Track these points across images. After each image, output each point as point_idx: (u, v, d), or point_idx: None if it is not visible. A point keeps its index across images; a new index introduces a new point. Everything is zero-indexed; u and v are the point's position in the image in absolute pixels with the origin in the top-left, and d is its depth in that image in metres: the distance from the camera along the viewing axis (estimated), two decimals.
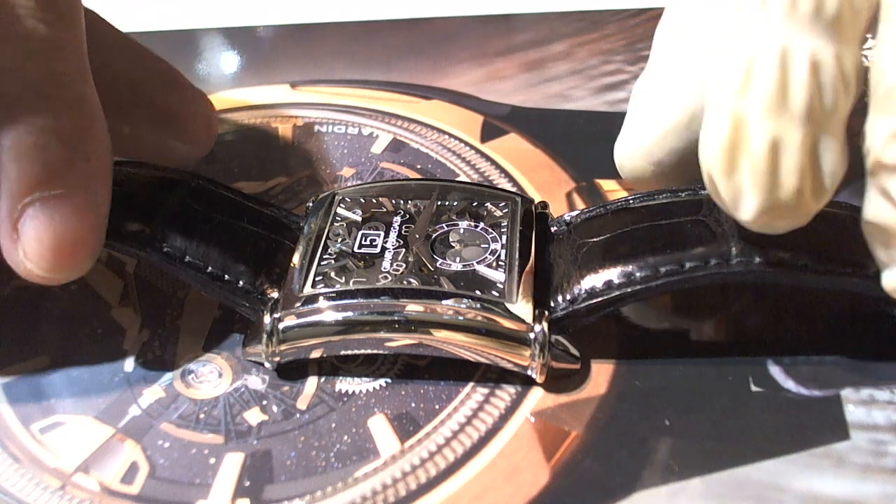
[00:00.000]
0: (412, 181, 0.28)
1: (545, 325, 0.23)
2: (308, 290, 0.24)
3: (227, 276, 0.24)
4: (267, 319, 0.24)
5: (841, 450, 0.22)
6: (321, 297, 0.24)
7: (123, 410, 0.24)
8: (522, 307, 0.23)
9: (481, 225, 0.26)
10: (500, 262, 0.24)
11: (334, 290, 0.24)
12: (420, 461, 0.23)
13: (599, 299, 0.23)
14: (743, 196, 0.20)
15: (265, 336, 0.24)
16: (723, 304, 0.26)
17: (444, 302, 0.23)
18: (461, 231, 0.25)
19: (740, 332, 0.25)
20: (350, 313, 0.23)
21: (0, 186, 0.22)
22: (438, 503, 0.22)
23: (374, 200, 0.27)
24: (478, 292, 0.23)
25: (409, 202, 0.27)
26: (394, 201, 0.27)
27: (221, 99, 0.36)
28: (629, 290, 0.23)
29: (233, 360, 0.25)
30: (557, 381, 0.24)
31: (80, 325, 0.27)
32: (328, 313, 0.23)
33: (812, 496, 0.21)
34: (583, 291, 0.23)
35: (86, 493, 0.22)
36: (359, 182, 0.28)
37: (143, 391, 0.25)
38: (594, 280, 0.23)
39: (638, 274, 0.23)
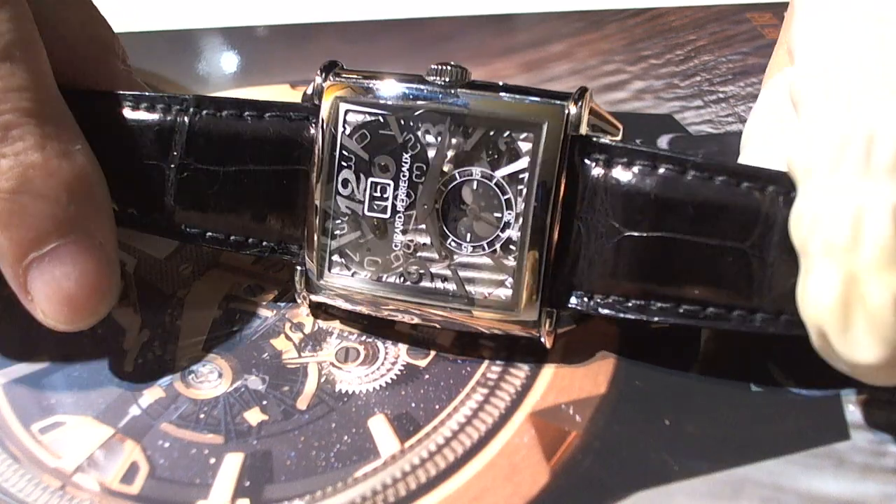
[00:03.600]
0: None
1: (554, 313, 0.24)
2: (326, 277, 0.25)
3: (250, 240, 0.26)
4: (298, 268, 0.25)
5: (841, 450, 0.22)
6: (338, 295, 0.25)
7: (123, 410, 0.24)
8: (530, 312, 0.23)
9: (496, 178, 0.24)
10: (512, 245, 0.23)
11: (350, 287, 0.25)
12: (420, 461, 0.23)
13: (610, 313, 0.23)
14: (863, 350, 0.20)
15: (297, 284, 0.26)
16: None
17: (453, 313, 0.24)
18: (474, 186, 0.24)
19: (741, 332, 0.25)
20: (365, 308, 0.25)
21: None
22: (438, 503, 0.22)
23: (380, 119, 0.25)
24: (486, 292, 0.24)
25: (421, 126, 0.24)
26: (402, 122, 0.24)
27: None
28: (643, 317, 0.23)
29: (233, 361, 0.25)
30: (558, 381, 0.24)
31: None
32: (347, 303, 0.25)
33: (812, 496, 0.21)
34: (599, 300, 0.23)
35: (86, 493, 0.22)
36: (362, 85, 0.25)
37: (143, 391, 0.25)
38: (614, 290, 0.23)
39: (657, 305, 0.23)
